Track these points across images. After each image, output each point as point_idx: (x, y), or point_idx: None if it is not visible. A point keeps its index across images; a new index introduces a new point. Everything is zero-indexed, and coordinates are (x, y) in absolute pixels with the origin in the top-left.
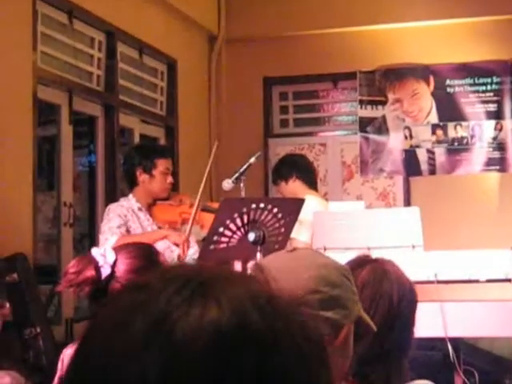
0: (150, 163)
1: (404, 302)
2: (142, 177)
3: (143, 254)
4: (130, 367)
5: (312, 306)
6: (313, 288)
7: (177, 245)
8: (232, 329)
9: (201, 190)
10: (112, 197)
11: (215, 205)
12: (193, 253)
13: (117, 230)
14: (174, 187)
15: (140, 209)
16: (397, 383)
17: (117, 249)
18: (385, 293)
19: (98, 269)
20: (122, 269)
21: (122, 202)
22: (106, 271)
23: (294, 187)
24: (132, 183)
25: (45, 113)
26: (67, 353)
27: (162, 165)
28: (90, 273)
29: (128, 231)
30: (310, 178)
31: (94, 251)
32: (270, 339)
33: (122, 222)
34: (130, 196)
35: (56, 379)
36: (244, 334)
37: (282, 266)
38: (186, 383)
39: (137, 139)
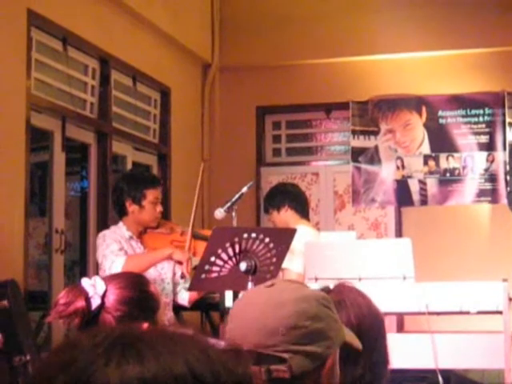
0: (139, 194)
1: (365, 323)
2: (132, 207)
3: (133, 285)
4: None
5: (294, 341)
6: (294, 324)
7: (180, 263)
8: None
9: (193, 214)
10: (104, 224)
11: (206, 232)
12: (184, 281)
13: (120, 252)
14: (166, 215)
15: (131, 237)
16: None
17: (107, 279)
18: (341, 320)
19: (88, 300)
20: (112, 299)
21: (114, 229)
22: (95, 302)
23: (285, 216)
24: (121, 213)
25: (37, 139)
26: None
27: (151, 195)
28: (80, 304)
29: None
30: (302, 208)
31: (84, 282)
32: None
33: (121, 246)
34: (121, 224)
35: None
36: None
37: (262, 304)
38: None
39: (129, 166)
